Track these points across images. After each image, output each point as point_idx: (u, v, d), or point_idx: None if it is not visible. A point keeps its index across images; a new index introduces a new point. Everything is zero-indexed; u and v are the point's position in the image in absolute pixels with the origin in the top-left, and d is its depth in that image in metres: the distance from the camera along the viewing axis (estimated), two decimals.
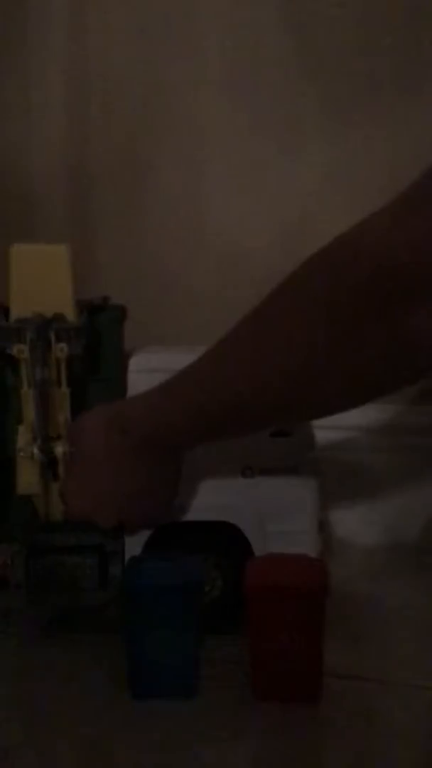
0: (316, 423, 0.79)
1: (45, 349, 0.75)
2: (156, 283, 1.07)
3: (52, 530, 0.77)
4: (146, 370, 0.77)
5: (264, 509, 0.76)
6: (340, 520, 1.00)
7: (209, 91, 1.07)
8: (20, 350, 0.75)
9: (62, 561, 0.76)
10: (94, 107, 1.10)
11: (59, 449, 0.75)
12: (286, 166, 1.06)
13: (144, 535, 0.76)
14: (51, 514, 0.77)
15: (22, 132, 1.11)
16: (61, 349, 0.75)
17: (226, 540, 0.76)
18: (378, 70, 1.03)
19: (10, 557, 0.76)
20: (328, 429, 0.80)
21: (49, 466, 0.76)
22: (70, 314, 0.76)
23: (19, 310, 0.76)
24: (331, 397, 0.62)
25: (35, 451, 0.75)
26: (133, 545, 0.75)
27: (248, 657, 0.66)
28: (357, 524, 1.01)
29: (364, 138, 1.03)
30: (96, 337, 0.78)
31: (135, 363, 0.78)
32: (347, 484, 1.00)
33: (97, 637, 0.76)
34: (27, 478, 0.76)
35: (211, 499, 0.76)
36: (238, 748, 0.61)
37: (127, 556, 0.75)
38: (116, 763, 0.60)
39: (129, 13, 1.08)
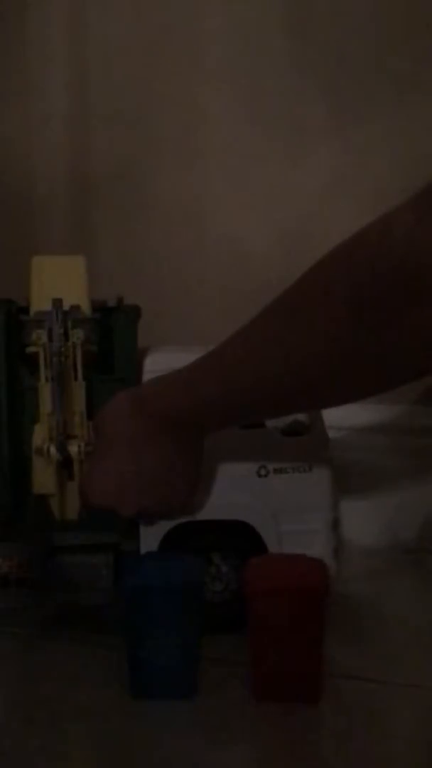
0: None
1: (62, 334, 0.75)
2: (159, 284, 1.07)
3: (68, 529, 0.77)
4: (161, 370, 0.77)
5: (278, 508, 0.76)
6: (340, 520, 1.00)
7: (211, 94, 1.07)
8: (39, 336, 0.75)
9: (78, 560, 0.77)
10: (95, 109, 1.10)
11: (74, 448, 0.75)
12: (289, 168, 1.06)
13: (159, 534, 0.76)
14: (67, 514, 0.77)
15: (24, 136, 1.11)
16: (76, 335, 0.75)
17: (240, 539, 0.76)
18: (382, 70, 1.03)
19: (27, 557, 0.76)
20: (327, 429, 0.80)
21: (64, 465, 0.76)
22: (82, 298, 0.78)
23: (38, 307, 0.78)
24: (353, 384, 0.62)
25: (52, 449, 0.75)
26: (149, 544, 0.76)
27: (248, 657, 0.66)
28: (357, 524, 1.01)
29: (368, 139, 1.03)
30: (111, 337, 0.79)
31: (150, 363, 0.78)
32: (347, 484, 1.00)
33: (97, 637, 0.76)
34: (43, 478, 0.77)
35: (226, 499, 0.76)
36: (238, 748, 0.61)
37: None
38: (116, 763, 0.60)
39: (130, 17, 1.08)
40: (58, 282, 0.78)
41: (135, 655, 0.66)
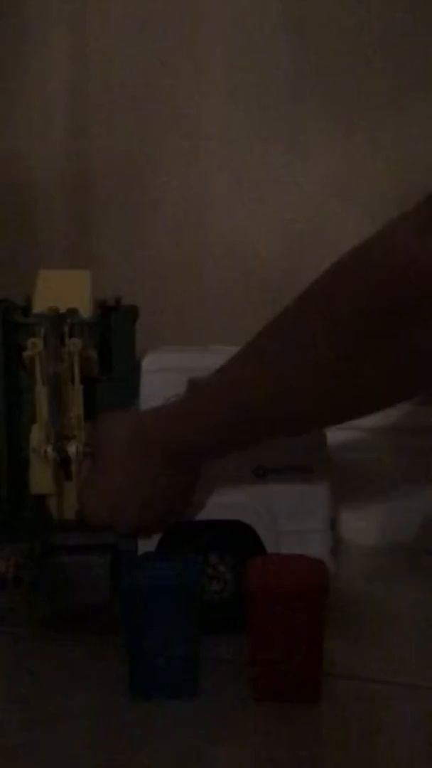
0: None
1: (58, 343, 0.75)
2: (158, 284, 1.07)
3: (65, 529, 0.77)
4: (159, 369, 0.77)
5: (276, 508, 0.76)
6: (340, 520, 1.00)
7: (211, 96, 1.07)
8: (34, 344, 0.75)
9: (75, 560, 0.76)
10: (95, 111, 1.10)
11: (72, 448, 0.75)
12: (290, 169, 1.06)
13: (157, 534, 0.76)
14: (64, 513, 0.77)
15: (24, 137, 1.11)
16: (74, 344, 0.75)
17: (238, 539, 0.76)
18: (382, 75, 1.03)
19: (24, 556, 0.76)
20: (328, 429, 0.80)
21: (62, 465, 0.76)
22: (86, 311, 0.78)
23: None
24: (353, 403, 0.63)
25: (49, 450, 0.75)
26: (147, 544, 0.76)
27: (248, 657, 0.66)
28: (357, 524, 1.01)
29: (367, 141, 1.03)
30: (109, 337, 0.79)
31: (148, 363, 0.78)
32: (347, 484, 1.00)
33: (96, 637, 0.76)
34: (40, 478, 0.77)
35: (224, 499, 0.76)
36: (238, 748, 0.61)
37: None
38: (116, 763, 0.60)
39: (130, 20, 1.08)
40: (62, 294, 0.78)
41: (134, 656, 0.66)
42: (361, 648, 0.75)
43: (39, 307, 0.78)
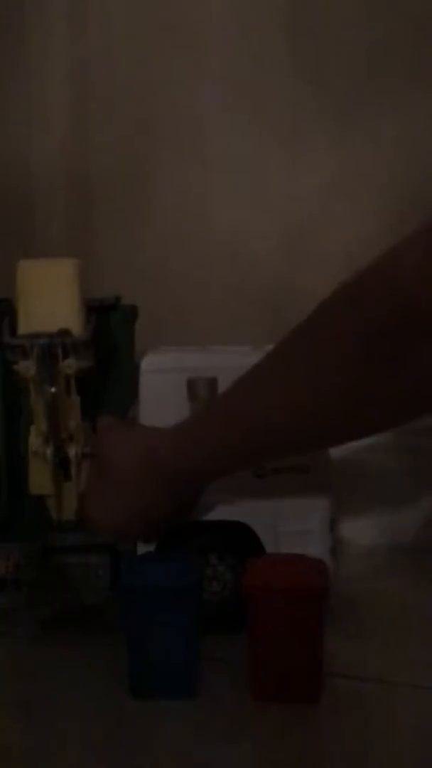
0: None
1: (52, 366, 0.74)
2: (159, 285, 1.07)
3: (64, 529, 0.77)
4: (158, 369, 0.77)
5: (276, 508, 0.76)
6: (341, 520, 1.00)
7: (212, 94, 1.07)
8: (26, 368, 0.74)
9: (75, 560, 0.76)
10: (95, 110, 1.10)
11: (71, 450, 0.75)
12: (290, 169, 1.06)
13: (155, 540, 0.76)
14: (63, 514, 0.77)
15: (23, 135, 1.11)
16: (69, 366, 0.74)
17: (237, 539, 0.76)
18: (381, 73, 1.03)
19: (23, 556, 0.76)
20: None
21: (61, 466, 0.76)
22: (78, 328, 0.75)
23: (26, 325, 0.75)
24: (362, 422, 0.63)
25: (47, 452, 0.75)
26: (147, 545, 0.76)
27: (248, 657, 0.66)
28: (357, 524, 1.00)
29: (367, 141, 1.03)
30: (108, 337, 0.79)
31: (147, 363, 0.78)
32: (347, 484, 1.00)
33: (97, 637, 0.76)
34: (39, 478, 0.77)
35: (223, 499, 0.76)
36: (238, 749, 0.61)
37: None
38: (116, 763, 0.60)
39: (129, 17, 1.08)
40: (47, 290, 0.75)
41: (134, 656, 0.66)
42: (361, 648, 0.74)
43: (23, 310, 0.75)
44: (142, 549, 0.76)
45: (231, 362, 0.77)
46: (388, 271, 0.56)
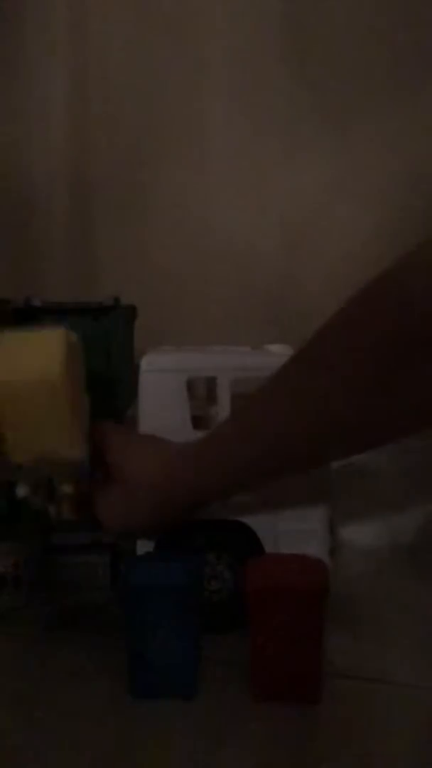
0: None
1: (50, 490, 0.75)
2: (159, 285, 1.07)
3: (65, 529, 0.77)
4: (158, 369, 0.77)
5: (275, 508, 0.76)
6: (340, 520, 1.00)
7: (211, 94, 1.07)
8: (24, 489, 0.74)
9: (75, 560, 0.76)
10: (95, 111, 1.10)
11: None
12: (289, 169, 1.06)
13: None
14: (63, 513, 0.77)
15: (24, 137, 1.11)
16: (66, 489, 0.75)
17: (237, 539, 0.76)
18: (382, 73, 1.03)
19: (24, 556, 0.76)
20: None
21: None
22: (74, 447, 0.70)
23: (15, 454, 0.69)
24: (373, 433, 0.64)
25: None
26: (147, 544, 0.76)
27: (248, 657, 0.66)
28: (357, 524, 1.00)
29: (366, 141, 1.03)
30: (107, 337, 0.79)
31: (147, 363, 0.78)
32: (346, 484, 1.00)
33: (96, 637, 0.76)
34: None
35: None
36: (238, 749, 0.61)
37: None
38: (116, 763, 0.60)
39: (129, 19, 1.08)
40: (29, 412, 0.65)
41: (134, 655, 0.66)
42: (361, 648, 0.74)
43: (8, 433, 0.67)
44: (142, 547, 0.76)
45: (231, 362, 0.77)
46: (400, 282, 0.57)
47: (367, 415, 0.61)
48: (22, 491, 0.73)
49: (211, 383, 0.79)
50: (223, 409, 0.76)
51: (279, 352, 0.77)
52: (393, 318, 0.57)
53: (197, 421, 0.78)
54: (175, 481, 0.72)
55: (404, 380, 0.58)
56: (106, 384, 0.79)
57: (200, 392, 0.81)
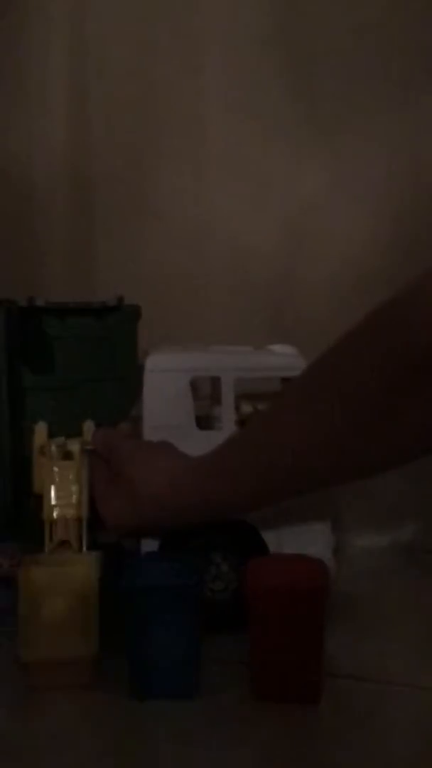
0: None
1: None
2: (162, 284, 1.07)
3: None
4: (162, 369, 0.77)
5: (279, 508, 0.76)
6: (341, 520, 1.00)
7: (210, 96, 1.07)
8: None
9: None
10: (96, 111, 1.10)
11: (75, 446, 0.75)
12: (289, 168, 1.06)
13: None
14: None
15: (24, 136, 1.10)
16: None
17: (240, 538, 0.76)
18: (382, 74, 1.03)
19: (24, 555, 0.76)
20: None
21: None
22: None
23: None
24: (379, 455, 0.65)
25: (53, 448, 0.75)
26: (149, 544, 0.76)
27: (248, 657, 0.66)
28: (357, 524, 1.01)
29: (366, 141, 1.03)
30: (111, 337, 0.79)
31: (151, 362, 0.78)
32: (347, 484, 1.00)
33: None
34: (43, 477, 0.77)
35: None
36: (239, 749, 0.61)
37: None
38: (116, 763, 0.60)
39: (129, 20, 1.08)
40: None
41: (135, 656, 0.66)
42: (361, 648, 0.75)
43: None
44: (144, 547, 0.76)
45: (235, 362, 0.77)
46: (410, 308, 0.57)
47: (370, 439, 0.61)
48: None
49: (215, 383, 0.79)
50: (227, 409, 0.77)
51: (282, 352, 0.78)
52: (396, 346, 0.57)
53: (201, 421, 0.78)
54: (181, 497, 0.72)
55: (408, 406, 0.58)
56: (110, 384, 0.79)
57: (204, 392, 0.81)
